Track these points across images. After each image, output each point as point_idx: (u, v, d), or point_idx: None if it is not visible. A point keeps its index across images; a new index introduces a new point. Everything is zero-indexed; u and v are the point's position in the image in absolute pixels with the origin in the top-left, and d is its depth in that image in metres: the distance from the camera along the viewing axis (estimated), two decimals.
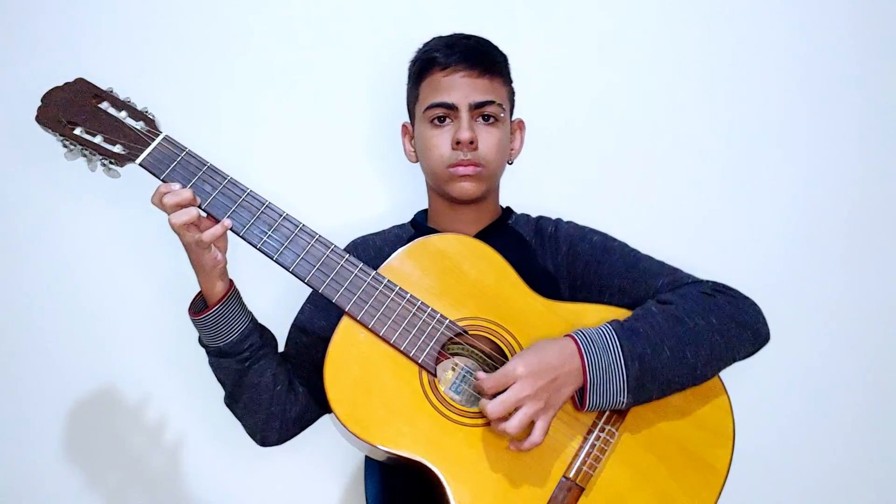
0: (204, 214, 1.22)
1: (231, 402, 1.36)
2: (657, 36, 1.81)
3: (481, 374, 1.18)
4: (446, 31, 1.44)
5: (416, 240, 1.29)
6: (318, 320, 1.40)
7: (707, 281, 1.32)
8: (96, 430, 1.70)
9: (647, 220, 1.69)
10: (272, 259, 1.23)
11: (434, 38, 1.43)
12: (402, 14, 1.76)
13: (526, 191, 1.51)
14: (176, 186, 1.20)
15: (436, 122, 1.37)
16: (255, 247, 1.23)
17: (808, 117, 1.84)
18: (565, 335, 1.21)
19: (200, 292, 1.29)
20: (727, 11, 1.83)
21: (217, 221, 1.23)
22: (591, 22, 1.80)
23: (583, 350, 1.18)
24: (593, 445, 1.22)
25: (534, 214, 1.48)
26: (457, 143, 1.34)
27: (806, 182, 1.83)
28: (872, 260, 1.83)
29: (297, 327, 1.43)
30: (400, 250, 1.27)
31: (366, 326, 1.22)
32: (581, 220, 1.44)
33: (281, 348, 1.41)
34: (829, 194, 1.83)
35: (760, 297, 1.31)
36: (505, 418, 1.15)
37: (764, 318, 1.29)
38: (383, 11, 1.76)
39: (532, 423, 1.16)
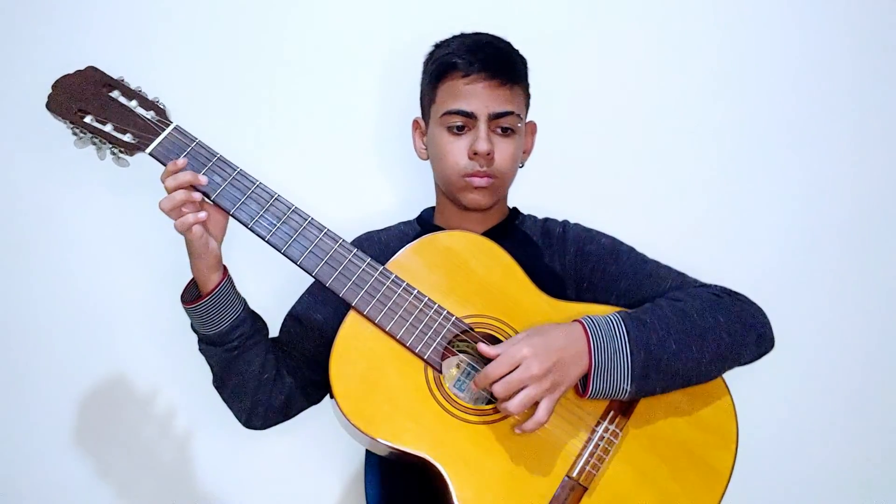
0: (198, 197, 1.21)
1: (218, 385, 1.36)
2: (662, 38, 1.81)
3: (483, 347, 1.18)
4: (456, 27, 1.43)
5: (423, 236, 1.29)
6: (314, 313, 1.40)
7: (714, 285, 1.33)
8: (105, 420, 1.69)
9: (652, 224, 1.68)
10: (280, 251, 1.23)
11: (455, 39, 1.40)
12: (411, 9, 1.75)
13: (532, 192, 1.51)
14: (181, 161, 1.20)
15: (453, 129, 1.36)
16: (263, 238, 1.23)
17: (811, 120, 1.85)
18: (573, 320, 1.22)
19: (193, 279, 1.28)
20: (729, 14, 1.84)
21: (225, 213, 1.23)
22: (599, 24, 1.80)
23: (589, 334, 1.19)
24: (597, 445, 1.22)
25: (540, 216, 1.49)
26: (474, 154, 1.34)
27: (809, 186, 1.83)
28: (876, 262, 1.84)
29: (293, 317, 1.42)
30: (407, 246, 1.27)
31: (372, 321, 1.22)
32: (586, 223, 1.45)
33: (275, 334, 1.41)
34: (835, 199, 1.84)
35: (766, 301, 1.32)
36: (508, 399, 1.15)
37: (770, 324, 1.30)
38: (393, 6, 1.76)
39: (535, 405, 1.16)
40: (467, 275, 1.27)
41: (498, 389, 1.15)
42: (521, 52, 1.43)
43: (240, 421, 1.38)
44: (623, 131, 1.79)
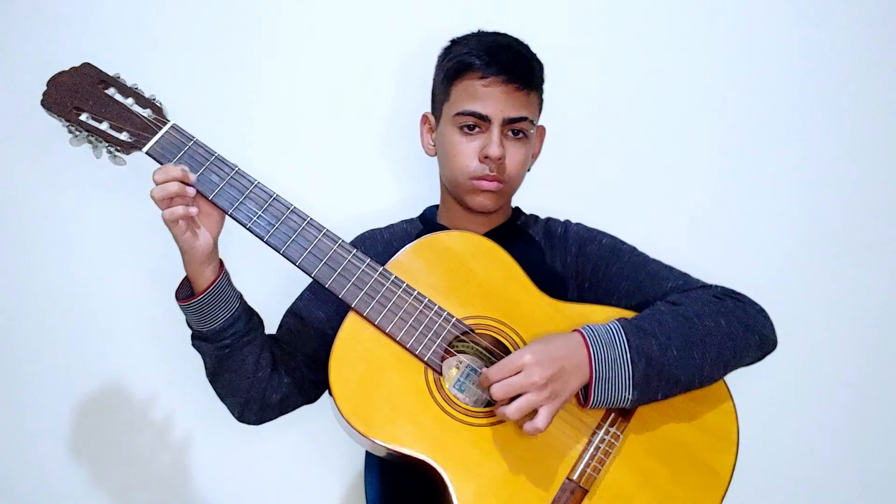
0: (192, 192, 1.18)
1: (211, 379, 1.34)
2: (665, 40, 1.81)
3: (486, 370, 1.18)
4: (461, 26, 1.41)
5: (424, 236, 1.28)
6: (315, 310, 1.39)
7: (716, 286, 1.32)
8: (102, 427, 1.70)
9: (654, 224, 1.68)
10: (279, 252, 1.21)
11: (474, 37, 1.38)
12: (417, 6, 1.74)
13: (535, 192, 1.50)
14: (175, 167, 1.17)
15: (465, 129, 1.34)
16: (261, 239, 1.21)
17: (813, 121, 1.85)
18: (573, 329, 1.21)
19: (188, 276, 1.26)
20: (731, 16, 1.83)
21: (222, 211, 1.22)
22: (602, 25, 1.80)
23: (589, 344, 1.18)
24: (597, 448, 1.21)
25: (542, 216, 1.48)
26: (485, 157, 1.32)
27: (811, 186, 1.84)
28: (878, 262, 1.84)
29: (294, 313, 1.41)
30: (407, 246, 1.26)
31: (372, 323, 1.21)
32: (589, 223, 1.44)
33: (273, 330, 1.40)
34: (837, 199, 1.84)
35: (768, 302, 1.31)
36: (506, 403, 1.15)
37: (772, 325, 1.30)
38: (399, 3, 1.75)
39: (535, 412, 1.15)
40: (467, 275, 1.26)
41: (496, 390, 1.14)
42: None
43: (233, 415, 1.37)
44: (625, 132, 1.79)
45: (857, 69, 1.85)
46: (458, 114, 1.33)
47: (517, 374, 1.14)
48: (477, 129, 1.33)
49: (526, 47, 1.39)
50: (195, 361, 1.33)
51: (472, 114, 1.32)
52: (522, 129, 1.35)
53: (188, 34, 1.69)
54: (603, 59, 1.79)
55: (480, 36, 1.39)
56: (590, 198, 1.66)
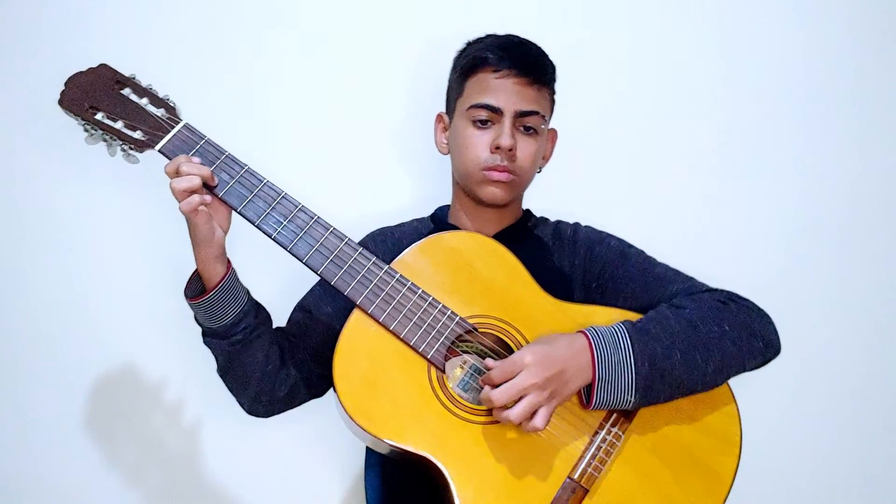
0: (208, 199, 1.21)
1: (222, 374, 1.36)
2: (672, 43, 1.81)
3: (490, 362, 1.19)
4: (474, 26, 1.43)
5: (429, 236, 1.29)
6: (324, 306, 1.41)
7: (721, 290, 1.32)
8: (114, 410, 1.72)
9: (661, 228, 1.67)
10: (286, 249, 1.23)
11: (489, 36, 1.42)
12: (428, 7, 1.75)
13: (545, 195, 1.50)
14: (196, 159, 1.21)
15: (478, 122, 1.36)
16: (269, 236, 1.24)
17: (818, 124, 1.84)
18: (577, 331, 1.22)
19: (196, 272, 1.27)
20: (735, 15, 1.83)
21: (231, 209, 1.24)
22: (610, 28, 1.80)
23: (593, 346, 1.18)
24: (599, 447, 1.22)
25: (552, 218, 1.49)
26: (496, 148, 1.34)
27: (814, 189, 1.83)
28: (880, 264, 1.83)
29: (303, 308, 1.43)
30: (413, 246, 1.28)
31: (376, 320, 1.22)
32: (597, 226, 1.44)
33: (282, 323, 1.42)
34: (841, 201, 1.83)
35: (772, 307, 1.31)
36: (508, 407, 1.15)
37: (776, 330, 1.29)
38: (412, 4, 1.76)
39: (535, 413, 1.16)
40: (472, 275, 1.27)
41: (497, 395, 1.15)
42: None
43: (243, 408, 1.39)
44: (634, 136, 1.79)
45: (857, 70, 1.84)
46: (470, 107, 1.36)
47: (518, 374, 1.15)
48: (489, 123, 1.35)
49: (539, 47, 1.42)
50: (203, 348, 1.35)
51: (485, 106, 1.34)
52: (533, 125, 1.36)
53: (203, 35, 1.71)
54: (613, 64, 1.79)
55: (494, 35, 1.42)
56: (599, 201, 1.66)
